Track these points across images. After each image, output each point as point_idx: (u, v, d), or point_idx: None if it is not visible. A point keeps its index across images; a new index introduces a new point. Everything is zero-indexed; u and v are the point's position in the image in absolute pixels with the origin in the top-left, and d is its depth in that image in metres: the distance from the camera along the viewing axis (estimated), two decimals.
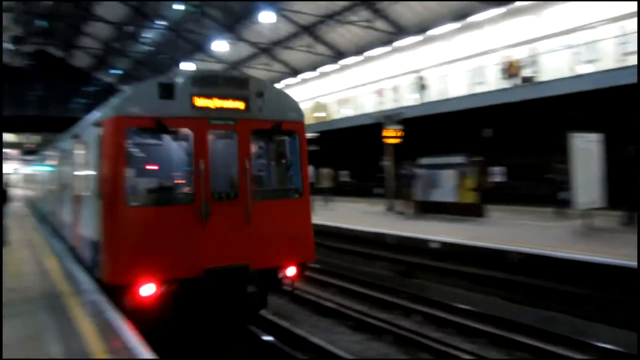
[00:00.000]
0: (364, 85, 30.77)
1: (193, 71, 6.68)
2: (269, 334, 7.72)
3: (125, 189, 6.18)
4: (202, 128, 6.37)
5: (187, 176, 6.73)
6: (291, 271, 6.94)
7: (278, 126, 6.86)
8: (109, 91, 53.13)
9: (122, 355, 4.79)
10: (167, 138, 7.07)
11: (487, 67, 22.34)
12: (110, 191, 6.17)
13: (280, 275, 6.92)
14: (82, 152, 8.07)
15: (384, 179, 19.16)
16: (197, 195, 6.32)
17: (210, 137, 6.52)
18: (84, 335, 5.38)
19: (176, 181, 7.04)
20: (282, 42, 32.84)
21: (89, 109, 56.71)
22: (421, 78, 25.34)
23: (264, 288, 7.01)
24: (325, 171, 20.82)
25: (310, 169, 18.73)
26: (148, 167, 7.02)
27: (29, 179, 25.42)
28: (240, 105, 6.61)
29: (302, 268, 7.03)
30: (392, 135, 18.01)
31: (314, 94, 35.22)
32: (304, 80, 36.33)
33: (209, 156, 6.36)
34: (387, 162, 18.50)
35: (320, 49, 31.92)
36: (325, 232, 14.95)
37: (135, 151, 6.70)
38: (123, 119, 6.13)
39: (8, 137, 48.79)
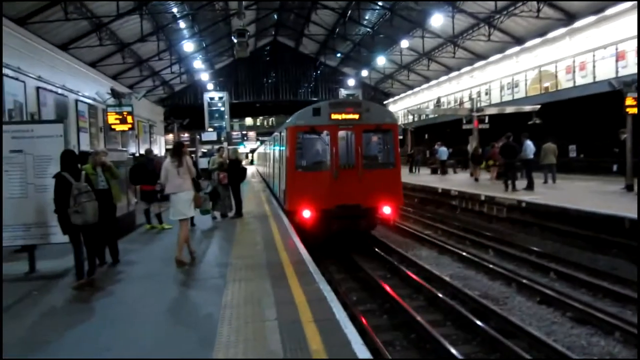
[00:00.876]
0: (599, 49, 27.20)
1: (330, 100, 12.48)
2: (481, 319, 7.46)
3: (295, 162, 11.76)
4: (334, 130, 11.77)
5: (327, 155, 11.91)
6: (387, 210, 11.86)
7: (379, 127, 12.12)
8: (332, 74, 56.31)
9: (326, 325, 5.09)
10: (318, 136, 12.13)
11: None
12: (289, 163, 11.80)
13: (380, 213, 11.88)
14: (281, 142, 13.81)
15: (621, 154, 16.75)
16: (331, 165, 11.63)
17: (340, 134, 11.86)
18: (296, 303, 5.83)
19: (322, 158, 12.16)
20: (504, 10, 30.76)
21: (315, 92, 61.40)
22: None
23: (371, 218, 12.00)
24: (549, 146, 19.00)
25: (530, 144, 17.41)
26: (307, 151, 12.29)
27: (261, 157, 33.19)
28: (356, 116, 11.83)
29: (395, 209, 12.03)
30: (633, 104, 15.58)
31: (538, 62, 32.36)
32: (527, 49, 33.59)
33: (339, 145, 11.72)
34: (625, 135, 16.12)
35: (548, 12, 29.08)
36: (547, 213, 13.68)
37: (301, 143, 12.05)
38: (295, 127, 11.82)
39: (247, 120, 55.81)
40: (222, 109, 53.76)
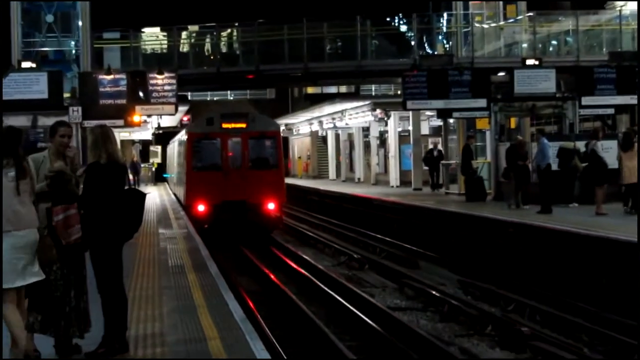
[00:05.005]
0: None
1: (221, 112, 43.11)
2: None
3: (192, 163, 41.71)
4: (225, 137, 40.36)
5: (220, 158, 40.34)
6: (271, 206, 38.56)
7: (264, 133, 40.74)
8: None
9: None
10: (211, 141, 40.48)
11: None
12: (187, 165, 42.27)
13: (265, 208, 38.57)
14: (183, 146, 46.20)
15: None
16: (223, 166, 40.23)
17: (230, 141, 40.31)
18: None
19: (214, 161, 40.82)
20: None
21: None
22: None
23: (258, 213, 38.13)
24: None
25: None
26: (203, 154, 41.12)
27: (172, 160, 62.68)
28: (243, 125, 40.03)
29: (277, 207, 39.35)
30: None
31: None
32: None
33: (229, 149, 40.30)
34: None
35: None
36: None
37: (197, 148, 41.33)
38: (192, 134, 42.25)
39: (148, 34, 51.19)
40: None
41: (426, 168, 49.22)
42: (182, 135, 41.78)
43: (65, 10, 45.58)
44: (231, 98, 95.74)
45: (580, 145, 31.46)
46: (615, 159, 27.77)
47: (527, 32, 45.71)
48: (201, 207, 32.17)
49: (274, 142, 35.45)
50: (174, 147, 58.06)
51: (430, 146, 50.85)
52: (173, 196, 57.31)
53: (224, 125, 33.17)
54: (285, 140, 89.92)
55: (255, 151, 34.52)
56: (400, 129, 54.75)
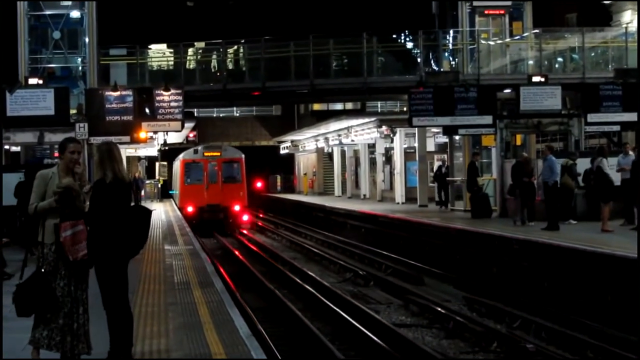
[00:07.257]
0: None
1: (204, 144, 77.82)
2: None
3: (184, 179, 74.77)
4: (206, 162, 73.66)
5: (202, 176, 72.74)
6: (237, 208, 69.36)
7: (232, 159, 74.02)
8: None
9: None
10: (196, 165, 72.46)
11: None
12: (180, 180, 76.41)
13: (232, 209, 68.98)
14: (178, 168, 78.10)
15: None
16: (204, 181, 71.99)
17: (209, 164, 73.12)
18: None
19: (199, 178, 71.46)
20: None
21: None
22: None
23: (229, 212, 68.81)
24: None
25: None
26: (191, 173, 72.53)
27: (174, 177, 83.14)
28: (218, 153, 73.48)
29: (242, 208, 70.33)
30: None
31: None
32: None
33: (209, 169, 72.54)
34: None
35: None
36: None
37: (188, 169, 73.74)
38: (184, 160, 75.47)
39: (153, 49, 51.06)
40: (77, 15, 46.96)
41: (432, 185, 49.19)
42: (178, 161, 66.43)
43: (72, 27, 44.30)
44: (237, 114, 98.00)
45: (586, 162, 31.40)
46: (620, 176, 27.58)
47: (533, 49, 45.05)
48: (190, 209, 52.36)
49: (239, 165, 58.64)
50: (174, 168, 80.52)
51: (439, 163, 50.34)
52: (178, 212, 69.43)
53: (205, 154, 53.02)
54: (291, 156, 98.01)
55: (226, 171, 56.18)
56: (406, 146, 54.65)
